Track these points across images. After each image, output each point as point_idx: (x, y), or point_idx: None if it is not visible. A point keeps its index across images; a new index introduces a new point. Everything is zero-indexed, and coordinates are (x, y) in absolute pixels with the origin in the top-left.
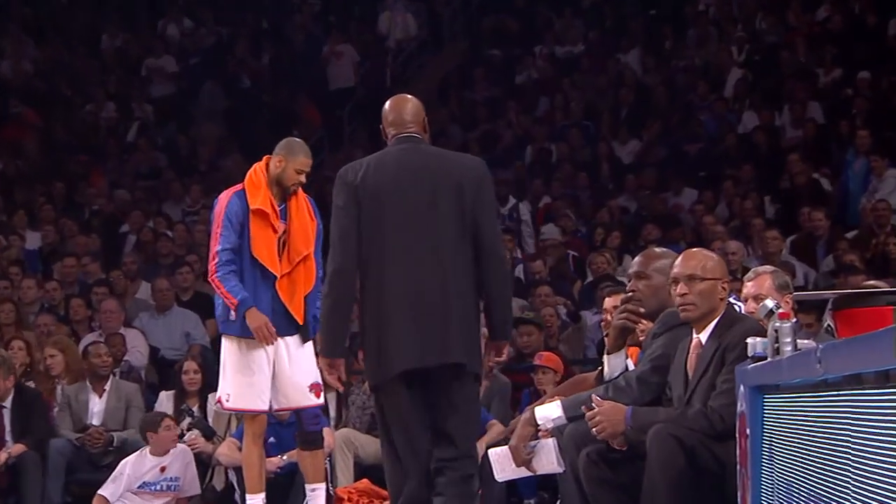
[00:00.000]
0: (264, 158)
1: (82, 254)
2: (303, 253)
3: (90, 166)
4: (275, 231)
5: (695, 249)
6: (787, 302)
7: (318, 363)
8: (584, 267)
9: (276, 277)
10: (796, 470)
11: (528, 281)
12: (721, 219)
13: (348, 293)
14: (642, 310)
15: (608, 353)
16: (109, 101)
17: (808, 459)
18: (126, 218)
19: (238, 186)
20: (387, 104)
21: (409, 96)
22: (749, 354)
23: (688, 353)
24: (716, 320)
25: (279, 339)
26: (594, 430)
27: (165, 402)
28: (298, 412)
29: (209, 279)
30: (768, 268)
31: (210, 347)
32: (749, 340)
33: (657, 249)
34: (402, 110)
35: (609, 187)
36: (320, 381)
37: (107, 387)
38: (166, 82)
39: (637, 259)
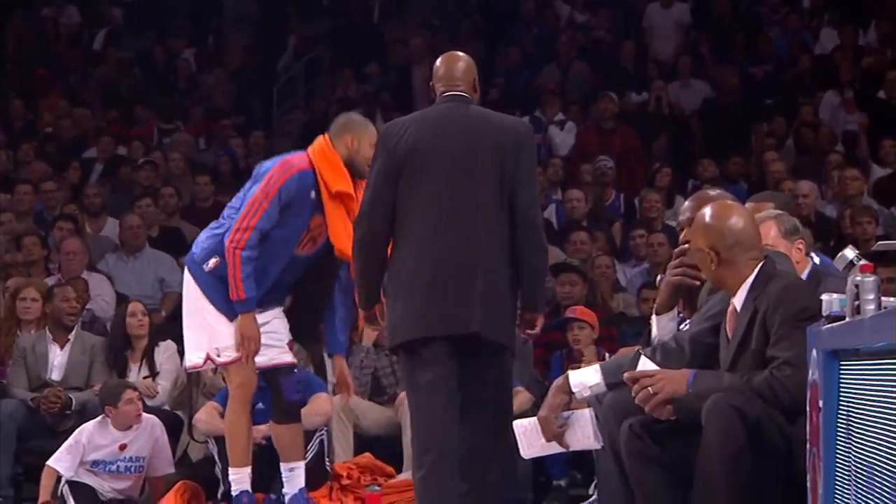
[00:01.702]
0: (321, 139)
1: (37, 182)
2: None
3: (49, 81)
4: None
5: (709, 196)
6: (798, 249)
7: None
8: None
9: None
10: (879, 450)
11: (560, 223)
12: (790, 154)
13: (376, 257)
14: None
15: (657, 314)
16: (71, 3)
17: (894, 438)
18: (90, 142)
19: (303, 163)
20: (438, 60)
21: (462, 54)
22: (823, 313)
23: (725, 319)
24: (749, 282)
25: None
26: (645, 391)
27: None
28: (277, 377)
29: (229, 249)
30: (771, 211)
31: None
32: (824, 297)
33: (711, 192)
34: (453, 68)
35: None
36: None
37: (70, 337)
38: None
39: (687, 203)
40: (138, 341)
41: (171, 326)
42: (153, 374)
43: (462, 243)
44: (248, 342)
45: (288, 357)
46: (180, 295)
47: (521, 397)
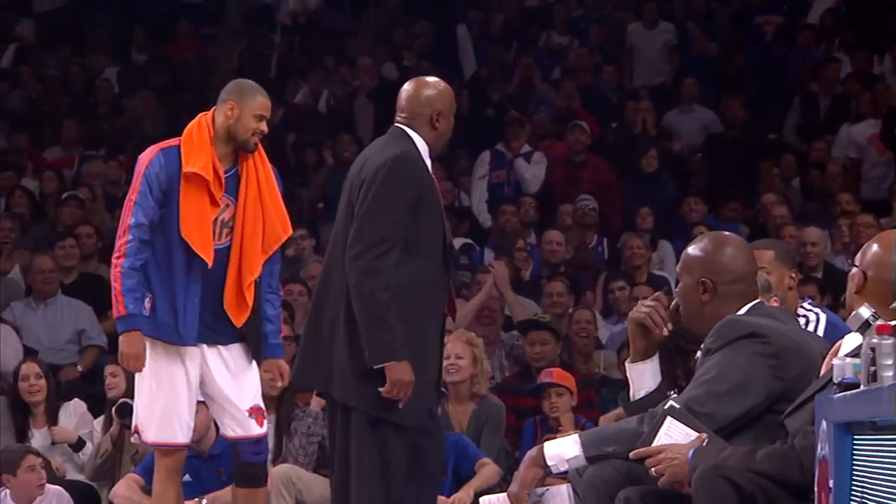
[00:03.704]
0: (206, 113)
1: None
2: (256, 235)
3: None
4: (214, 204)
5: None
6: (791, 278)
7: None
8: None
9: (205, 267)
10: None
11: (534, 271)
12: (795, 194)
13: None
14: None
15: (630, 363)
16: None
17: None
18: None
19: (170, 142)
20: None
21: (424, 79)
22: (835, 380)
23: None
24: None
25: (209, 347)
26: (654, 471)
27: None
28: (234, 440)
29: (112, 264)
30: (765, 241)
31: (108, 349)
32: (836, 362)
33: (718, 234)
34: (401, 95)
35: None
36: (262, 405)
37: None
38: None
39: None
40: (36, 405)
41: (85, 385)
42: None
43: (317, 291)
44: (128, 360)
45: (249, 430)
46: (102, 350)
47: (488, 470)
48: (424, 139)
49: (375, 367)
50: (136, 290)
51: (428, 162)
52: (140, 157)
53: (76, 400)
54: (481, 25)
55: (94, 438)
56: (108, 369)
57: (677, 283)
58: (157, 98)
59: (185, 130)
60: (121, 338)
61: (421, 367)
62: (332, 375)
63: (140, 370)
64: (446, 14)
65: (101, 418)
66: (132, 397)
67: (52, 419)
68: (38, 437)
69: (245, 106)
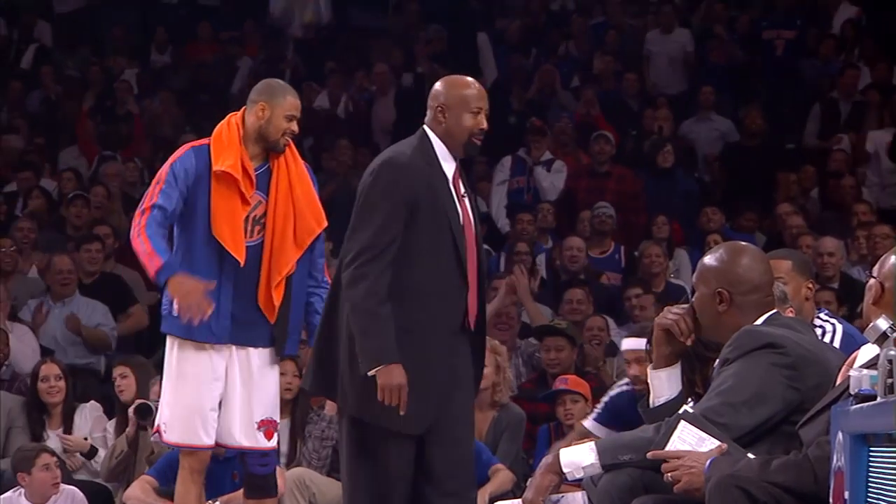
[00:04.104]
0: (236, 113)
1: None
2: (287, 231)
3: None
4: (245, 202)
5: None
6: (808, 288)
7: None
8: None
9: (237, 265)
10: None
11: (549, 277)
12: (814, 204)
13: None
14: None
15: (653, 369)
16: None
17: None
18: (13, 173)
19: (201, 141)
20: None
21: (450, 77)
22: (852, 391)
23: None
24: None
25: (238, 349)
26: (670, 476)
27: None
28: (241, 451)
29: (132, 238)
30: (782, 251)
31: (118, 352)
32: (853, 373)
33: (735, 244)
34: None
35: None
36: (276, 418)
37: None
38: None
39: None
40: (54, 406)
41: (102, 386)
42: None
43: (328, 297)
44: (186, 297)
45: (256, 442)
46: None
47: (502, 476)
48: (438, 137)
49: (367, 374)
50: (165, 245)
51: (448, 163)
52: (175, 153)
53: (92, 402)
54: (500, 32)
55: (107, 441)
56: (117, 371)
57: (693, 292)
58: (175, 100)
59: (215, 130)
60: (169, 286)
61: (422, 375)
62: (336, 383)
63: (202, 303)
64: (465, 21)
65: (114, 420)
66: (144, 397)
67: (68, 421)
68: (54, 438)
69: (276, 106)
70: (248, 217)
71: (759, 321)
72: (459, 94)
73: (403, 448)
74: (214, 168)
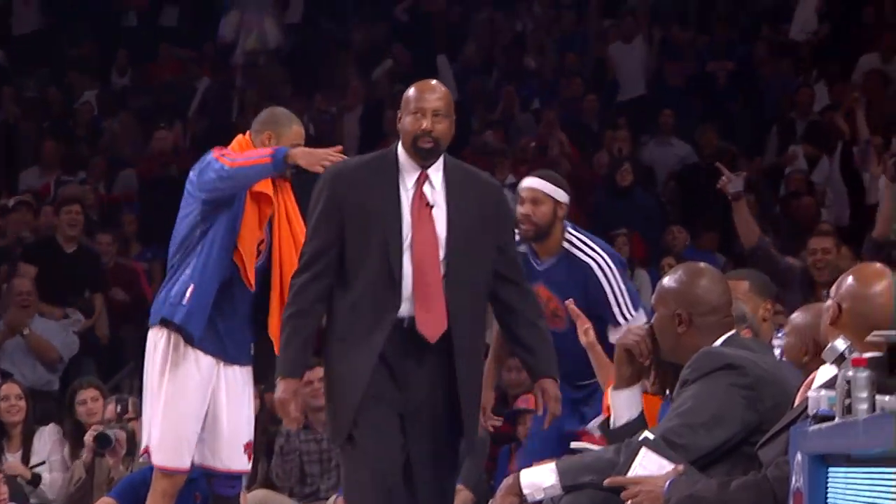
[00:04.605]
0: (240, 137)
1: None
2: (292, 255)
3: None
4: (261, 226)
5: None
6: (766, 309)
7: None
8: None
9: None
10: None
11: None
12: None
13: None
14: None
15: (613, 389)
16: None
17: None
18: None
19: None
20: None
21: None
22: (810, 412)
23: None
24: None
25: (226, 366)
26: (630, 503)
27: None
28: (212, 471)
29: (222, 165)
30: (741, 271)
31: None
32: (811, 394)
33: (693, 266)
34: None
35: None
36: (252, 439)
37: None
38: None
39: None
40: (13, 427)
41: (60, 408)
42: (30, 464)
43: None
44: (311, 157)
45: (241, 465)
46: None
47: (462, 497)
48: (401, 144)
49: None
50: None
51: (410, 172)
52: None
53: (52, 425)
54: (461, 53)
55: (66, 464)
56: (87, 394)
57: (653, 314)
58: (135, 120)
59: (233, 146)
60: (292, 157)
61: (342, 389)
62: None
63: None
64: (427, 42)
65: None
66: (109, 422)
67: (28, 443)
68: (12, 461)
69: (282, 136)
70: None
71: (718, 342)
72: (404, 97)
73: (359, 457)
74: (253, 188)
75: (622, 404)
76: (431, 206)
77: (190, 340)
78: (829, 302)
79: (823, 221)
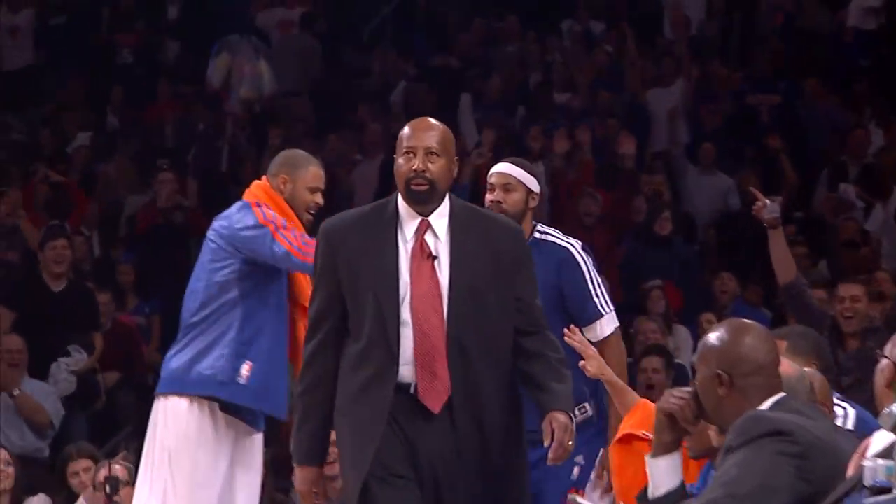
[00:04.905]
0: (259, 181)
1: None
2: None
3: None
4: None
5: None
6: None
7: None
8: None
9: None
10: None
11: None
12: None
13: None
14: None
15: (652, 457)
16: None
17: None
18: None
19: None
20: None
21: None
22: (866, 483)
23: None
24: None
25: (246, 435)
26: None
27: None
28: None
29: (295, 253)
30: (784, 329)
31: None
32: (866, 463)
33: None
34: None
35: None
36: None
37: None
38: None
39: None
40: (2, 495)
41: (49, 477)
42: None
43: None
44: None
45: None
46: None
47: None
48: None
49: None
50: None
51: (410, 220)
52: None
53: (41, 495)
54: (483, 91)
55: None
56: (79, 465)
57: (695, 373)
58: (132, 164)
59: (267, 195)
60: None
61: (347, 466)
62: None
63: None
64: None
65: None
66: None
67: None
68: None
69: (298, 178)
70: None
71: (766, 405)
72: (398, 137)
73: None
74: None
75: (662, 473)
76: (434, 258)
77: (229, 410)
78: (884, 361)
79: (882, 269)
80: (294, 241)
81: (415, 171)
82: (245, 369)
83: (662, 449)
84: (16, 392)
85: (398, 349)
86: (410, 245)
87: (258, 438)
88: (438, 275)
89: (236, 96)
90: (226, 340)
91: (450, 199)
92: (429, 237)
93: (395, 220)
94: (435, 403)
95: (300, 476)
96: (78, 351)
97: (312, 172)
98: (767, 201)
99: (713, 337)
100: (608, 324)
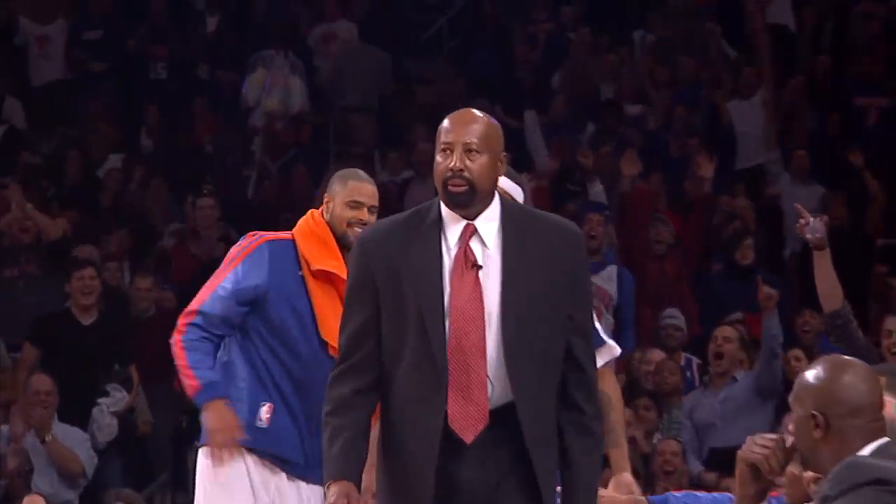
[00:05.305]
0: (315, 210)
1: None
2: None
3: None
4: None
5: None
6: None
7: None
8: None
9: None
10: None
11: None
12: None
13: None
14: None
15: None
16: None
17: None
18: None
19: (279, 234)
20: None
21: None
22: None
23: None
24: None
25: (306, 484)
26: None
27: None
28: None
29: (172, 344)
30: (882, 366)
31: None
32: None
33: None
34: None
35: None
36: None
37: None
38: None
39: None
40: None
41: None
42: None
43: None
44: (215, 435)
45: None
46: None
47: None
48: None
49: None
50: (208, 359)
51: (453, 225)
52: (243, 239)
53: None
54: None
55: None
56: None
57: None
58: (166, 187)
59: (298, 225)
60: (204, 415)
61: (404, 495)
62: None
63: (235, 446)
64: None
65: None
66: None
67: None
68: None
69: (336, 195)
70: None
71: (866, 451)
72: (437, 131)
73: None
74: (314, 267)
75: None
76: (479, 267)
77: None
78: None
79: None
80: (182, 335)
81: (451, 169)
82: (265, 411)
83: (746, 502)
84: (47, 438)
85: (447, 374)
86: (454, 253)
87: (318, 490)
88: (483, 287)
89: (262, 109)
90: (240, 383)
91: (500, 199)
92: (474, 243)
93: (438, 225)
94: (468, 433)
95: (334, 489)
96: (118, 390)
97: (351, 186)
98: (811, 219)
99: (810, 375)
100: (606, 353)
